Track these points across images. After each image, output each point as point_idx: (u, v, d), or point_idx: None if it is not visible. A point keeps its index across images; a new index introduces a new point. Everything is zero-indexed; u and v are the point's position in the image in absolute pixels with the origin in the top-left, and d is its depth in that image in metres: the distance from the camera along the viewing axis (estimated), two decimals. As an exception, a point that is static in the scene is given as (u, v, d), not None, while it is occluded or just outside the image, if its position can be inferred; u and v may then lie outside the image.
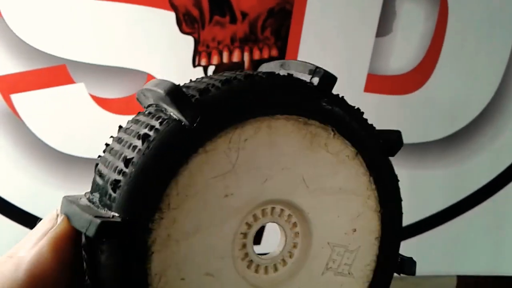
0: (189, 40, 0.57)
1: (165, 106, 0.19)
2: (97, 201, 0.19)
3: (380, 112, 0.62)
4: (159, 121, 0.19)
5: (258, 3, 0.58)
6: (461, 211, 0.66)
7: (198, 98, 0.19)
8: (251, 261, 0.21)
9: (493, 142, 0.65)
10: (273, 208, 0.21)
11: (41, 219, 0.21)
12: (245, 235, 0.20)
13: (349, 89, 0.60)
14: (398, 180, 0.23)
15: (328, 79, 0.20)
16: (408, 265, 0.24)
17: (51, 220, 0.21)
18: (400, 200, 0.23)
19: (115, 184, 0.18)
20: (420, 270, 0.71)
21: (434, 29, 0.62)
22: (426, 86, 0.63)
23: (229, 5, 0.57)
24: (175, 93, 0.18)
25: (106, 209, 0.19)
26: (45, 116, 0.57)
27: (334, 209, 0.21)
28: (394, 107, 0.63)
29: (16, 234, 0.56)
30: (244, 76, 0.20)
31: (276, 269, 0.21)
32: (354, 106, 0.21)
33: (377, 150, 0.21)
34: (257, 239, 0.21)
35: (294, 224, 0.21)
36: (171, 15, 0.57)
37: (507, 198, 0.67)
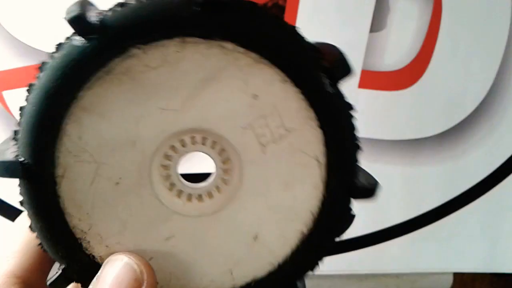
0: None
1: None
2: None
3: (374, 108, 0.62)
4: (57, 45, 0.19)
5: (251, -1, 0.57)
6: (456, 208, 0.66)
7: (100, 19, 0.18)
8: (180, 191, 0.20)
9: (488, 138, 0.65)
10: (193, 138, 0.20)
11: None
12: (167, 167, 0.20)
13: (343, 85, 0.59)
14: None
15: None
16: None
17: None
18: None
19: (19, 120, 0.19)
20: (415, 267, 0.71)
21: (428, 25, 0.62)
22: (420, 82, 0.63)
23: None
24: (77, 16, 0.19)
25: (15, 144, 0.19)
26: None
27: (225, 101, 0.19)
28: (388, 103, 0.62)
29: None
30: None
31: (212, 195, 0.21)
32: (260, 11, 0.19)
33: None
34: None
35: (222, 150, 0.20)
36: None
37: (503, 194, 0.67)
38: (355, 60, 0.61)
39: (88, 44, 0.18)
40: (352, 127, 0.20)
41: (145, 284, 0.19)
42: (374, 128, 0.62)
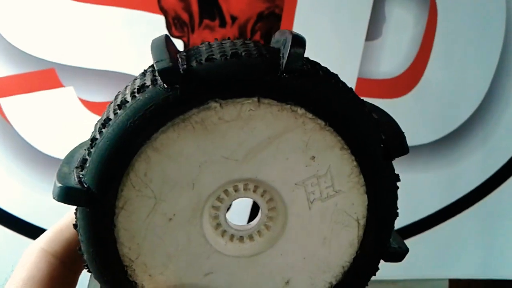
0: (179, 44, 0.58)
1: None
2: (79, 164, 0.20)
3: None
4: (140, 85, 0.19)
5: (248, 7, 0.58)
6: (452, 214, 0.67)
7: (187, 69, 0.19)
8: (224, 231, 0.21)
9: (483, 144, 0.66)
10: (246, 185, 0.21)
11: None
12: (217, 208, 0.21)
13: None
14: None
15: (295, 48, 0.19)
16: None
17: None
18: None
19: (89, 149, 0.19)
20: (411, 273, 0.71)
21: (423, 33, 0.63)
22: (416, 90, 0.63)
23: (219, 9, 0.57)
24: (169, 67, 0.18)
25: (83, 173, 0.20)
26: (34, 120, 0.56)
27: (283, 159, 0.20)
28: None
29: (3, 237, 0.56)
30: (231, 54, 0.20)
31: (252, 239, 0.22)
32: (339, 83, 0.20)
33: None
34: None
35: (270, 199, 0.21)
36: (160, 19, 0.57)
37: (499, 201, 0.67)
38: (351, 68, 0.61)
39: (171, 92, 0.19)
40: (395, 197, 0.21)
41: None
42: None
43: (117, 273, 0.21)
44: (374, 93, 0.62)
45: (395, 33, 0.62)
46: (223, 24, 0.58)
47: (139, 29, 0.57)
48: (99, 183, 0.19)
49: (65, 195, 0.19)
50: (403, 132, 0.22)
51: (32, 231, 0.56)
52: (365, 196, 0.21)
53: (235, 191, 0.21)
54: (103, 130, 0.19)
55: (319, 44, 0.60)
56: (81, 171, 0.20)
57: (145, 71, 0.21)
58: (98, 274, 0.21)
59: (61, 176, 0.20)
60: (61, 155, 0.61)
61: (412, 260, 0.67)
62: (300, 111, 0.19)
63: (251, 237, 0.22)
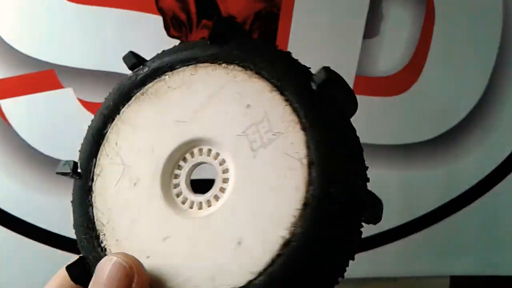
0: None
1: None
2: None
3: (368, 113, 0.62)
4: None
5: (245, 7, 0.58)
6: (452, 211, 0.67)
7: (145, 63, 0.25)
8: (185, 199, 0.23)
9: (482, 141, 0.66)
10: (200, 150, 0.23)
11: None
12: (177, 176, 0.23)
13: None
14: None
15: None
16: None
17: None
18: None
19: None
20: (412, 271, 0.71)
21: (421, 30, 0.63)
22: (414, 87, 0.63)
23: (216, 9, 0.57)
24: (126, 55, 0.26)
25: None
26: (33, 121, 0.57)
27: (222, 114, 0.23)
28: (382, 108, 0.63)
29: (2, 238, 0.56)
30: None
31: (210, 203, 0.22)
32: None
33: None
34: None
35: (223, 161, 0.22)
36: (158, 19, 0.57)
37: (498, 197, 0.67)
38: (349, 66, 0.62)
39: (133, 73, 0.25)
40: (339, 133, 0.20)
41: (135, 279, 0.20)
42: (369, 133, 0.62)
43: (91, 238, 0.23)
44: (372, 91, 0.62)
45: (393, 31, 0.62)
46: (221, 23, 0.58)
47: (137, 30, 0.57)
48: (84, 155, 0.24)
49: (60, 168, 0.24)
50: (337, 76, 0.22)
51: (31, 231, 0.56)
52: (302, 133, 0.20)
53: (192, 156, 0.23)
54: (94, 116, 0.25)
55: (317, 42, 0.60)
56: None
57: None
58: (79, 239, 0.23)
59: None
60: (61, 155, 0.62)
61: (412, 258, 0.67)
62: (231, 67, 0.23)
63: (209, 202, 0.22)
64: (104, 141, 0.24)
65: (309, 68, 0.23)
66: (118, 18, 0.56)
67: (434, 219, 0.66)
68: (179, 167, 0.23)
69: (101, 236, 0.23)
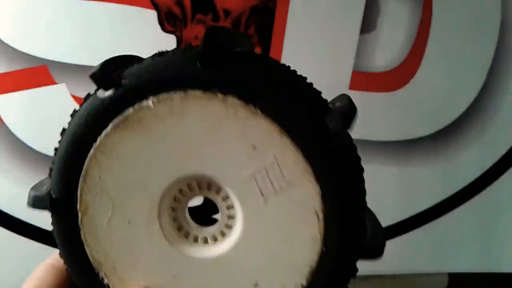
0: (172, 39, 0.57)
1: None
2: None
3: (366, 109, 0.62)
4: (85, 96, 0.21)
5: (241, 1, 0.57)
6: (450, 208, 0.66)
7: (117, 75, 0.20)
8: (188, 233, 0.22)
9: (480, 137, 0.66)
10: (199, 183, 0.21)
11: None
12: (175, 209, 0.21)
13: (334, 86, 0.60)
14: None
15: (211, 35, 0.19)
16: None
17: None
18: None
19: (53, 158, 0.21)
20: (410, 268, 0.71)
21: (418, 26, 0.62)
22: (412, 83, 0.63)
23: (212, 3, 0.57)
24: (97, 72, 0.20)
25: (49, 180, 0.22)
26: (26, 117, 0.56)
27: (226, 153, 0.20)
28: (380, 104, 0.63)
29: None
30: (159, 53, 0.21)
31: (216, 239, 0.22)
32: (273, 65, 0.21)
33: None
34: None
35: (227, 197, 0.21)
36: (152, 14, 0.57)
37: (496, 194, 0.67)
38: (346, 62, 0.61)
39: (107, 96, 0.20)
40: (356, 186, 0.20)
41: None
42: (366, 129, 0.62)
43: (90, 276, 0.22)
44: (370, 86, 0.62)
45: (390, 26, 0.61)
46: (216, 18, 0.57)
47: (131, 25, 0.56)
48: (59, 188, 0.21)
49: (33, 202, 0.21)
50: (355, 108, 0.20)
51: (27, 229, 0.56)
52: (317, 186, 0.19)
53: (190, 190, 0.21)
54: (60, 139, 0.21)
55: (313, 37, 0.59)
56: (49, 180, 0.21)
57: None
58: (74, 276, 0.22)
59: (36, 186, 0.22)
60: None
61: (411, 255, 0.67)
62: (230, 99, 0.19)
63: (215, 238, 0.22)
64: (84, 173, 0.21)
65: (326, 101, 0.20)
66: (111, 13, 0.56)
67: (432, 215, 0.66)
68: (176, 200, 0.22)
69: (100, 274, 0.22)
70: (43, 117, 0.56)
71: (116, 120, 0.20)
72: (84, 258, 0.22)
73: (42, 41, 0.56)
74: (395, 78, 0.63)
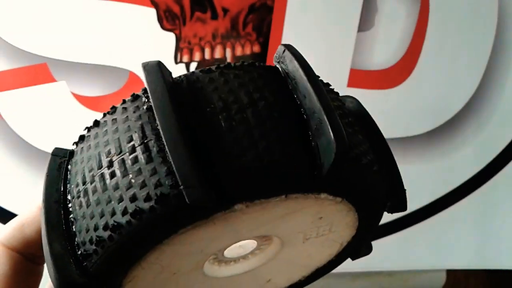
0: (171, 37, 0.57)
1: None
2: (79, 242, 0.18)
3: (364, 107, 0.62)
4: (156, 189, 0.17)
5: (239, -1, 0.58)
6: (447, 205, 0.67)
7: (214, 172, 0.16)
8: (221, 261, 0.23)
9: (477, 135, 0.66)
10: None
11: None
12: (216, 257, 0.22)
13: (333, 84, 0.60)
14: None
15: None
16: None
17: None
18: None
19: (95, 245, 0.17)
20: (408, 265, 0.71)
21: (416, 23, 0.63)
22: (409, 80, 0.63)
23: (210, 1, 0.57)
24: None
25: (81, 258, 0.18)
26: (27, 115, 0.56)
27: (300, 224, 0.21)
28: (377, 101, 0.63)
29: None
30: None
31: (246, 258, 0.23)
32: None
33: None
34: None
35: (268, 238, 0.22)
36: (151, 12, 0.57)
37: (493, 191, 0.67)
38: (344, 59, 0.61)
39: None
40: (377, 225, 0.23)
41: None
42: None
43: None
44: (367, 84, 0.62)
45: (387, 24, 0.62)
46: (214, 16, 0.57)
47: (130, 23, 0.56)
48: (108, 277, 0.18)
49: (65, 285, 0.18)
50: (405, 190, 0.22)
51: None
52: (355, 231, 0.22)
53: None
54: (113, 234, 0.17)
55: (311, 35, 0.60)
56: (83, 260, 0.18)
57: (146, 145, 0.17)
58: None
59: (57, 259, 0.18)
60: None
61: (409, 252, 0.67)
62: (323, 195, 0.18)
63: (244, 257, 0.23)
64: (140, 260, 0.18)
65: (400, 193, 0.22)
66: (111, 10, 0.56)
67: (429, 212, 0.66)
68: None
69: None
70: (43, 114, 0.56)
71: (199, 222, 0.17)
72: None
73: (42, 39, 0.56)
74: (392, 75, 0.63)
